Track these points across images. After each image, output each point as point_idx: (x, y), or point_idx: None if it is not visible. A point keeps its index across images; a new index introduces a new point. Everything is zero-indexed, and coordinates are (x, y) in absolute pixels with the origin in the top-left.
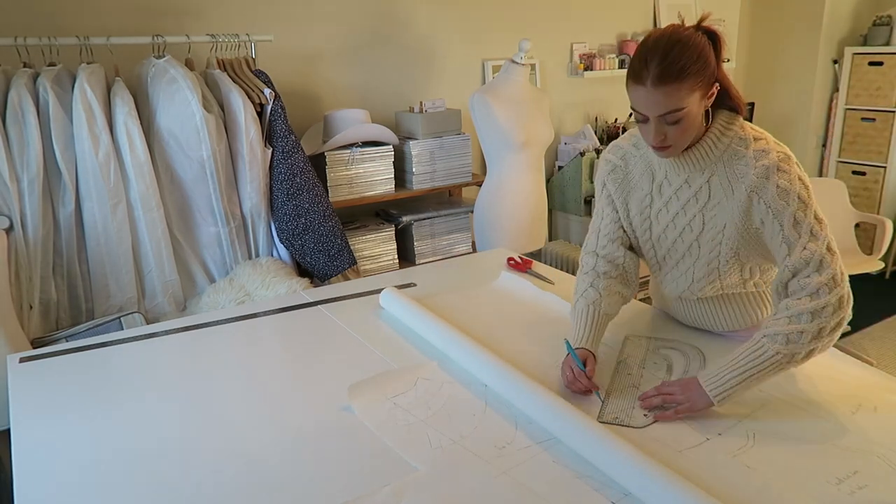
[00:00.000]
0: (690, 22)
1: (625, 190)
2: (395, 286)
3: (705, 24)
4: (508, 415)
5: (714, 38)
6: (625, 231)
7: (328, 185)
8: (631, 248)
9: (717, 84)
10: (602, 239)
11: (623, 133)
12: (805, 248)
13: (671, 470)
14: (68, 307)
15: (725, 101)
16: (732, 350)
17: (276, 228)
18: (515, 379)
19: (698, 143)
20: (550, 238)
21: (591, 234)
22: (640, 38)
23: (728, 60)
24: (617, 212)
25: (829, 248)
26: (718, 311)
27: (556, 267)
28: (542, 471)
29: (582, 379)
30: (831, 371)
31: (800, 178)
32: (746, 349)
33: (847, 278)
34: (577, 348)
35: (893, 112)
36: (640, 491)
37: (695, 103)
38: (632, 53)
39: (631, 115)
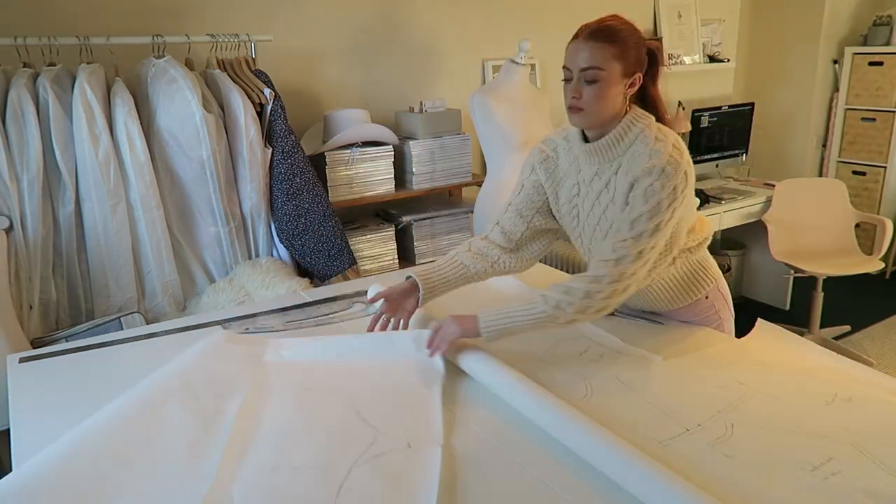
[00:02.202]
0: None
1: (555, 179)
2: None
3: (650, 44)
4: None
5: (652, 55)
6: (538, 213)
7: (328, 185)
8: (546, 231)
9: (640, 77)
10: (510, 211)
11: None
12: (623, 241)
13: (653, 459)
14: (68, 307)
15: (643, 99)
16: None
17: (275, 228)
18: (502, 373)
19: (608, 133)
20: None
21: (504, 207)
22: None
23: (728, 60)
24: (538, 193)
25: (639, 254)
26: (658, 292)
27: (556, 267)
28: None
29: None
30: (808, 363)
31: (673, 189)
32: (524, 303)
33: (631, 286)
34: (406, 278)
35: (893, 112)
36: (623, 481)
37: (614, 74)
38: None
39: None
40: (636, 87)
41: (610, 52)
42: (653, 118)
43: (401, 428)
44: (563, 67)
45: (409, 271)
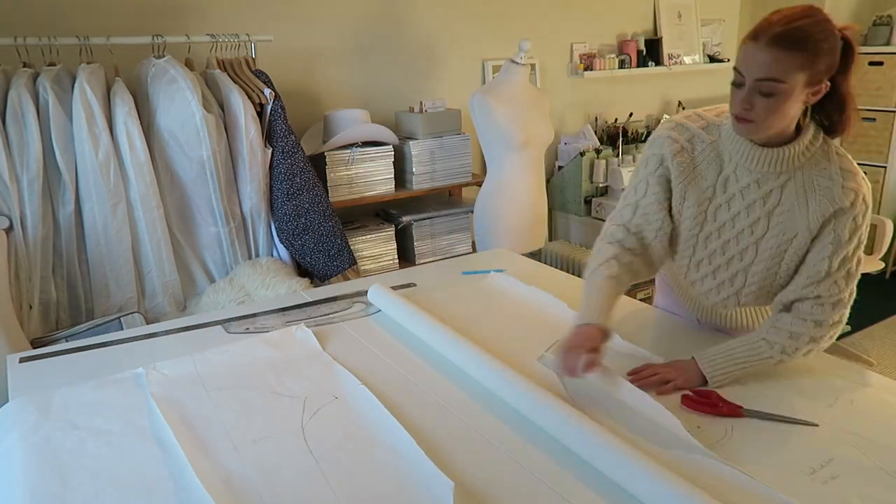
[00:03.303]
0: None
1: (688, 176)
2: (390, 286)
3: (847, 32)
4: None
5: (847, 47)
6: (667, 215)
7: (328, 185)
8: (663, 236)
9: (828, 85)
10: (638, 217)
11: (622, 131)
12: (836, 284)
13: (660, 464)
14: (68, 307)
15: (833, 116)
16: (726, 341)
17: (276, 228)
18: (503, 375)
19: (782, 145)
20: (550, 238)
21: (626, 207)
22: (640, 38)
23: (728, 60)
24: (666, 193)
25: (851, 293)
26: (757, 316)
27: (557, 267)
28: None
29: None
30: (812, 365)
31: (868, 223)
32: (743, 345)
33: (843, 323)
34: (588, 324)
35: (893, 112)
36: (627, 483)
37: (797, 86)
38: (632, 54)
39: (630, 116)
40: (821, 94)
41: (796, 62)
42: (831, 140)
43: (313, 388)
44: (735, 69)
45: (585, 313)
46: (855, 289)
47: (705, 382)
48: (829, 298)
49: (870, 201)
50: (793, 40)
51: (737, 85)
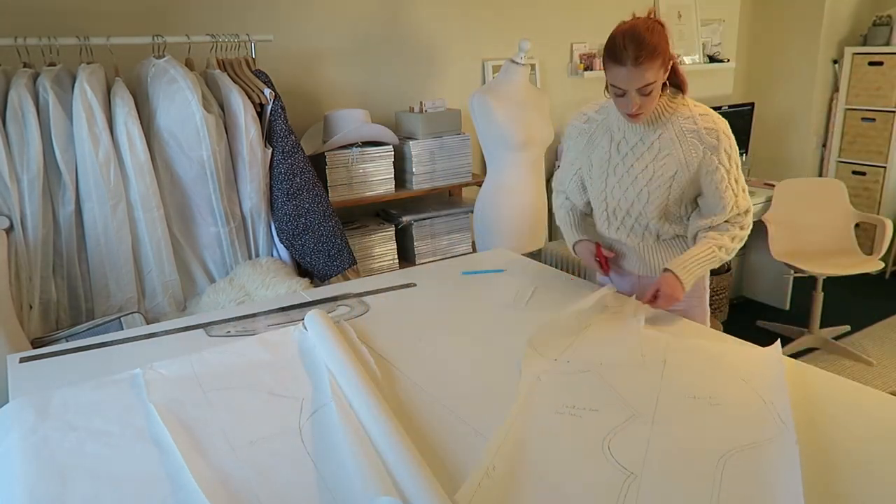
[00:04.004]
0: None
1: (588, 148)
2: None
3: (654, 18)
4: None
5: (661, 26)
6: (581, 184)
7: (328, 185)
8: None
9: (671, 62)
10: (571, 184)
11: None
12: (739, 198)
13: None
14: (68, 307)
15: (672, 79)
16: (686, 251)
17: (275, 228)
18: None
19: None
20: (550, 238)
21: (563, 173)
22: None
23: (728, 61)
24: (578, 166)
25: (746, 193)
26: (667, 253)
27: (557, 267)
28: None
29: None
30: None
31: (734, 144)
32: (703, 253)
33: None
34: (577, 241)
35: (893, 112)
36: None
37: (661, 76)
38: None
39: (606, 88)
40: (670, 70)
41: (657, 64)
42: (681, 93)
43: (310, 390)
44: (613, 85)
45: (570, 238)
46: (750, 205)
47: (684, 288)
48: (743, 208)
49: (729, 132)
50: (650, 52)
51: (619, 95)
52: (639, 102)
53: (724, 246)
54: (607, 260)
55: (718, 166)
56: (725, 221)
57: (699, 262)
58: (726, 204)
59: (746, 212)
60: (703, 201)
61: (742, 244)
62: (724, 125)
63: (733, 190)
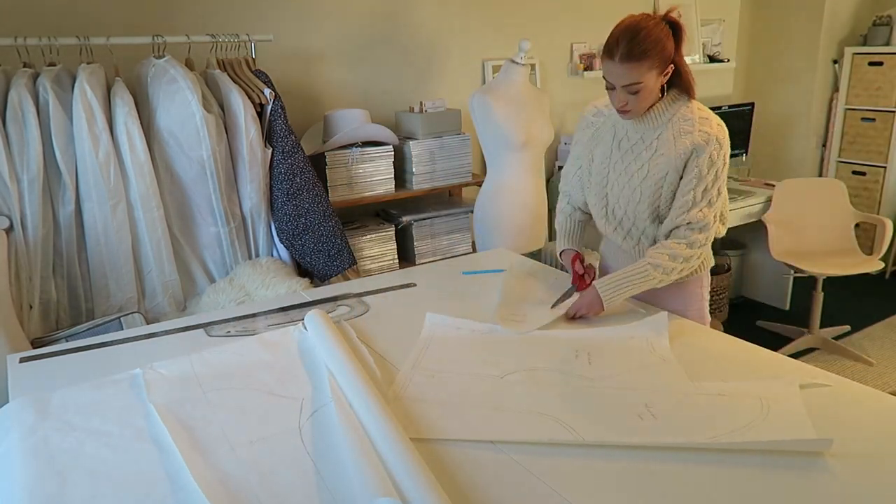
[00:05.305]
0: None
1: (592, 142)
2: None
3: (671, 15)
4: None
5: (676, 28)
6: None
7: (328, 185)
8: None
9: (673, 66)
10: (573, 179)
11: None
12: (701, 211)
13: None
14: (68, 307)
15: (679, 82)
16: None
17: (276, 228)
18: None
19: (653, 108)
20: (550, 238)
21: (568, 167)
22: None
23: (728, 60)
24: (581, 162)
25: (715, 217)
26: None
27: (557, 267)
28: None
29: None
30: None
31: (724, 157)
32: (634, 271)
33: (710, 243)
34: (564, 250)
35: (893, 112)
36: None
37: (652, 79)
38: None
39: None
40: (671, 74)
41: (645, 66)
42: (686, 96)
43: (310, 390)
44: (604, 78)
45: (558, 247)
46: (720, 219)
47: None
48: (697, 224)
49: (724, 142)
50: (638, 54)
51: (610, 88)
52: (626, 99)
53: (660, 265)
54: (581, 276)
55: (694, 168)
56: (674, 229)
57: (628, 281)
58: (681, 206)
59: (701, 229)
60: (674, 201)
61: (689, 265)
62: (720, 133)
63: (695, 197)
